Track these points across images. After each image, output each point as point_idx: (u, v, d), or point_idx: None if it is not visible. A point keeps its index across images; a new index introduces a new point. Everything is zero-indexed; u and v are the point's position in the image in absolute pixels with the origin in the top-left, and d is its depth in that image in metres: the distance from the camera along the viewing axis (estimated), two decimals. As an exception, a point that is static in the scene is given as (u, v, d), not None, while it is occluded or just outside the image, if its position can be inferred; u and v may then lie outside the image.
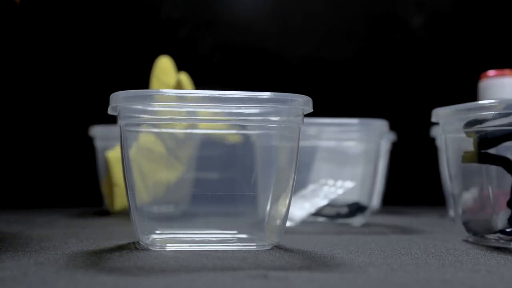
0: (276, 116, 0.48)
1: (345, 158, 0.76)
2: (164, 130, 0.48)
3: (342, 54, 1.29)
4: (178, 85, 0.90)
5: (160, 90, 0.46)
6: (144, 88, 0.91)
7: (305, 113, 0.49)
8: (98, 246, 0.50)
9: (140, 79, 0.94)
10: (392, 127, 0.87)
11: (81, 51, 1.17)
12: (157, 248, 0.47)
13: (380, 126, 0.75)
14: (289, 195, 0.49)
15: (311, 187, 0.74)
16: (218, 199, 0.51)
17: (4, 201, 1.08)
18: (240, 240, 0.51)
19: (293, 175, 0.48)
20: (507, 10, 1.32)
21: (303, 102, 0.47)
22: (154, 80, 0.92)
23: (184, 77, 0.91)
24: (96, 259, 0.42)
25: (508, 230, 0.51)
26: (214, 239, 0.51)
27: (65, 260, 0.41)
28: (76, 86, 1.16)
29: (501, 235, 0.52)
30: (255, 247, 0.48)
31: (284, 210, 0.49)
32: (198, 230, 0.52)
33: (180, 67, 0.95)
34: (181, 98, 0.45)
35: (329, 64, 1.28)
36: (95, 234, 0.61)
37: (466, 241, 0.56)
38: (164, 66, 0.93)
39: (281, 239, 0.50)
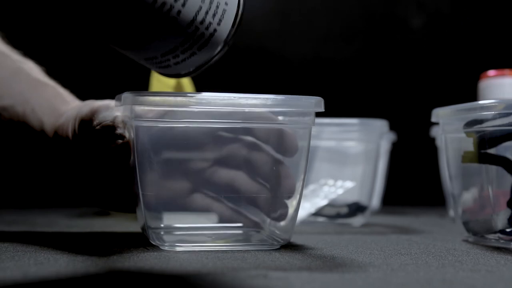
0: (287, 117, 0.48)
1: (345, 158, 0.76)
2: (175, 125, 0.48)
3: (342, 54, 1.29)
4: (178, 85, 0.90)
5: (162, 92, 0.46)
6: (144, 89, 0.91)
7: (316, 111, 0.49)
8: (98, 246, 0.50)
9: (140, 79, 0.94)
10: (392, 127, 0.87)
11: (81, 51, 1.17)
12: (167, 248, 0.46)
13: (380, 126, 0.75)
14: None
15: (311, 187, 0.74)
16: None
17: (4, 201, 1.08)
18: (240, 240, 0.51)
19: (302, 175, 0.49)
20: (507, 10, 1.32)
21: (315, 103, 0.48)
22: (154, 80, 0.92)
23: (184, 77, 0.91)
24: (96, 259, 0.42)
25: (508, 230, 0.51)
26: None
27: (65, 260, 0.41)
28: (76, 86, 1.16)
29: (501, 235, 0.52)
30: (255, 247, 0.48)
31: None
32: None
33: (180, 67, 0.95)
34: (191, 101, 0.45)
35: (329, 64, 1.28)
36: (95, 234, 0.61)
37: (466, 241, 0.56)
38: (164, 66, 0.92)
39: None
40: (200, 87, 0.86)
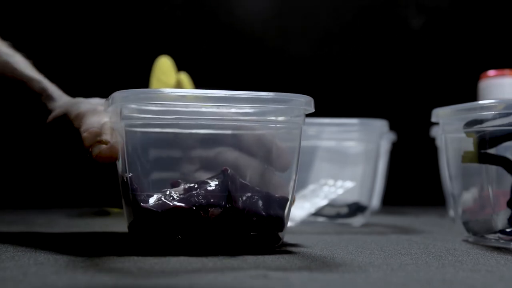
0: (277, 116, 0.48)
1: (345, 158, 0.77)
2: (165, 129, 0.48)
3: (342, 53, 1.29)
4: (178, 85, 0.90)
5: (161, 90, 0.46)
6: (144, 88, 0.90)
7: (307, 113, 0.49)
8: (98, 246, 0.50)
9: (140, 79, 0.94)
10: (392, 127, 0.87)
11: (81, 50, 1.17)
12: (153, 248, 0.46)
13: (380, 126, 0.75)
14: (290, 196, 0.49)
15: (311, 187, 0.74)
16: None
17: (4, 201, 1.08)
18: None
19: (294, 176, 0.48)
20: (507, 10, 1.32)
21: (305, 102, 0.47)
22: (154, 80, 0.92)
23: (184, 77, 0.91)
24: (96, 259, 0.42)
25: (508, 230, 0.51)
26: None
27: (65, 260, 0.41)
28: (76, 86, 1.16)
29: (501, 235, 0.52)
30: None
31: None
32: None
33: (180, 67, 0.95)
34: (181, 98, 0.45)
35: (329, 63, 1.28)
36: (95, 234, 0.61)
37: (466, 241, 0.56)
38: (164, 66, 0.93)
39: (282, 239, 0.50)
40: (200, 87, 0.85)
